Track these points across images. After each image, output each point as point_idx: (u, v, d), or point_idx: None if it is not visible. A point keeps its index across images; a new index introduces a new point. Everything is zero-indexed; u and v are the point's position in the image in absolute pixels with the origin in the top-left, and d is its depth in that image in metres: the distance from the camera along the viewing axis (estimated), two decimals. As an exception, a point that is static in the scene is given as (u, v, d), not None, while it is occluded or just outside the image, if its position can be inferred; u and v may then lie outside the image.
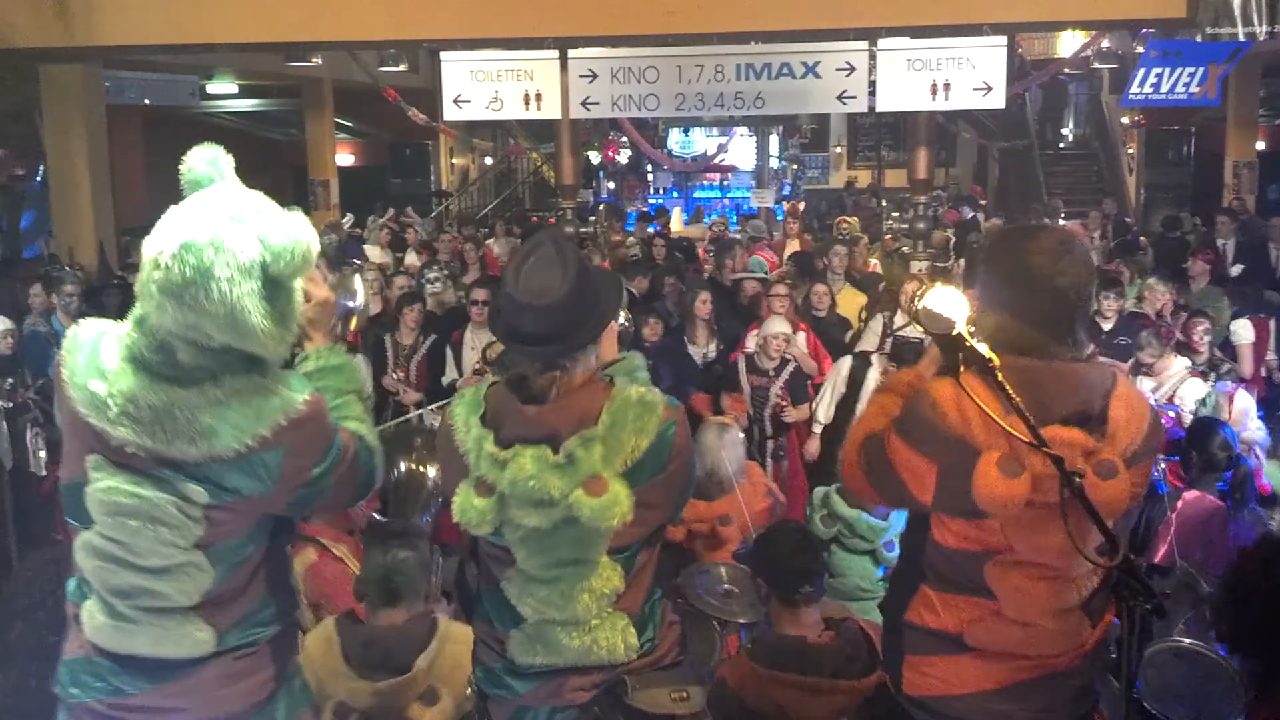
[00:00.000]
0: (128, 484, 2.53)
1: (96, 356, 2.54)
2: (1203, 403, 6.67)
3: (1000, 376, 2.51)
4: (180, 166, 2.60)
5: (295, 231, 2.49)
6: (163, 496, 2.53)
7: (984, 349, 2.52)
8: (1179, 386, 6.97)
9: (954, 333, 2.54)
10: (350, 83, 18.06)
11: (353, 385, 2.90)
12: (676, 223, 18.57)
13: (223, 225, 2.43)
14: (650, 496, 2.68)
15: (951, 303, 2.54)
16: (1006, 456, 2.58)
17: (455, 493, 2.70)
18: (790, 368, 7.70)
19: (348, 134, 23.23)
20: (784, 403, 7.59)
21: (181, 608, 2.61)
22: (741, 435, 6.02)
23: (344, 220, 15.80)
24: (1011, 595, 2.73)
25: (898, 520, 5.19)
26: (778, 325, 7.70)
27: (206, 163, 2.57)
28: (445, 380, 8.22)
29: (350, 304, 3.11)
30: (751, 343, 7.99)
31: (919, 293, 2.70)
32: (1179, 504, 5.23)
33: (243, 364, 2.54)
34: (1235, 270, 11.59)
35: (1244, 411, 6.34)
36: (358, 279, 3.26)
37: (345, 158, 22.75)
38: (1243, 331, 8.56)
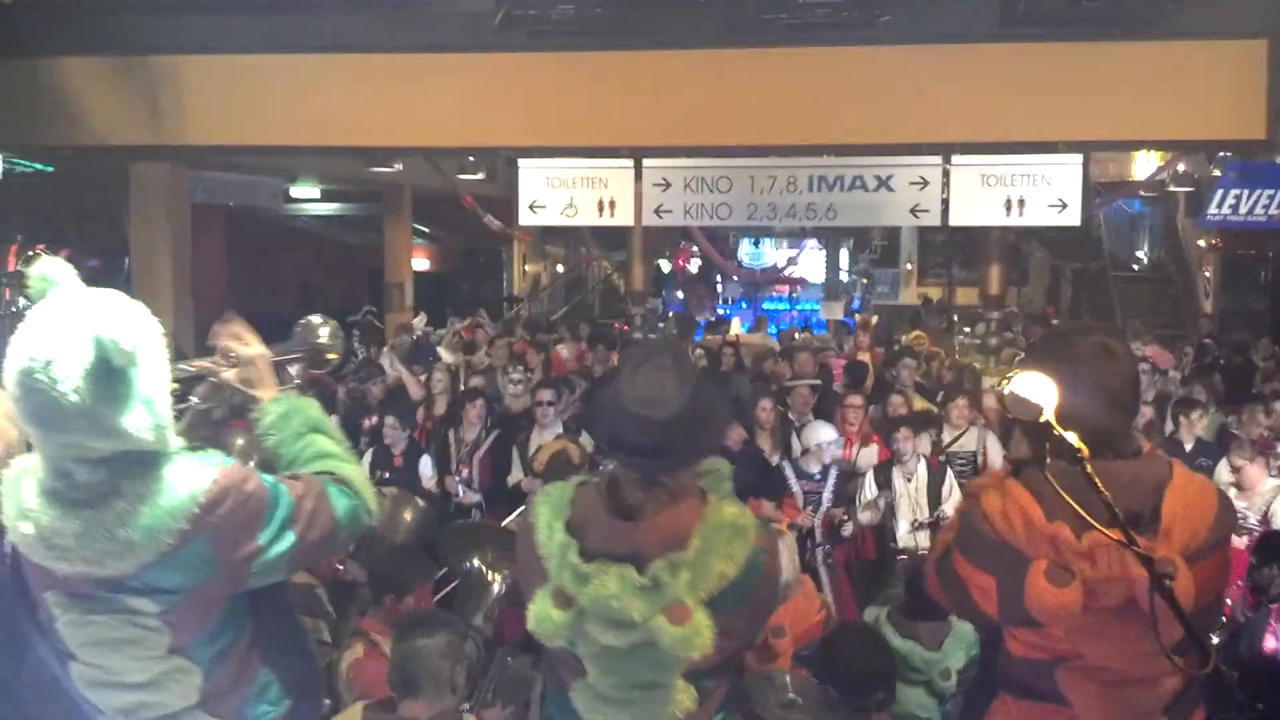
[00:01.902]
0: (84, 614, 2.50)
1: (18, 496, 2.48)
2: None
3: (1088, 470, 2.43)
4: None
5: (124, 318, 2.40)
6: (116, 618, 2.49)
7: (1072, 438, 2.45)
8: (1271, 503, 6.81)
9: (1041, 419, 2.47)
10: (428, 189, 18.41)
11: (311, 424, 2.80)
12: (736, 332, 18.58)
13: (54, 341, 2.33)
14: (733, 625, 2.58)
15: (1039, 389, 2.48)
16: (1054, 565, 2.51)
17: (532, 599, 2.60)
18: (835, 472, 7.67)
19: (424, 239, 23.65)
20: (845, 515, 7.54)
21: (186, 708, 2.57)
22: (794, 542, 5.92)
23: (417, 320, 16.01)
24: (1086, 701, 2.63)
25: (952, 650, 5.09)
26: (826, 432, 7.69)
27: (42, 275, 2.48)
28: (511, 481, 8.23)
29: (319, 344, 3.05)
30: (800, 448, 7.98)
31: (1006, 379, 2.62)
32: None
33: (140, 464, 2.46)
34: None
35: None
36: (317, 318, 3.16)
37: (421, 262, 23.14)
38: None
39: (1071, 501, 2.41)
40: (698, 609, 2.49)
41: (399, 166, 16.32)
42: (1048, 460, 2.51)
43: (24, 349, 2.35)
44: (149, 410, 2.43)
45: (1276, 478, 7.14)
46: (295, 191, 19.73)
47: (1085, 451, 2.43)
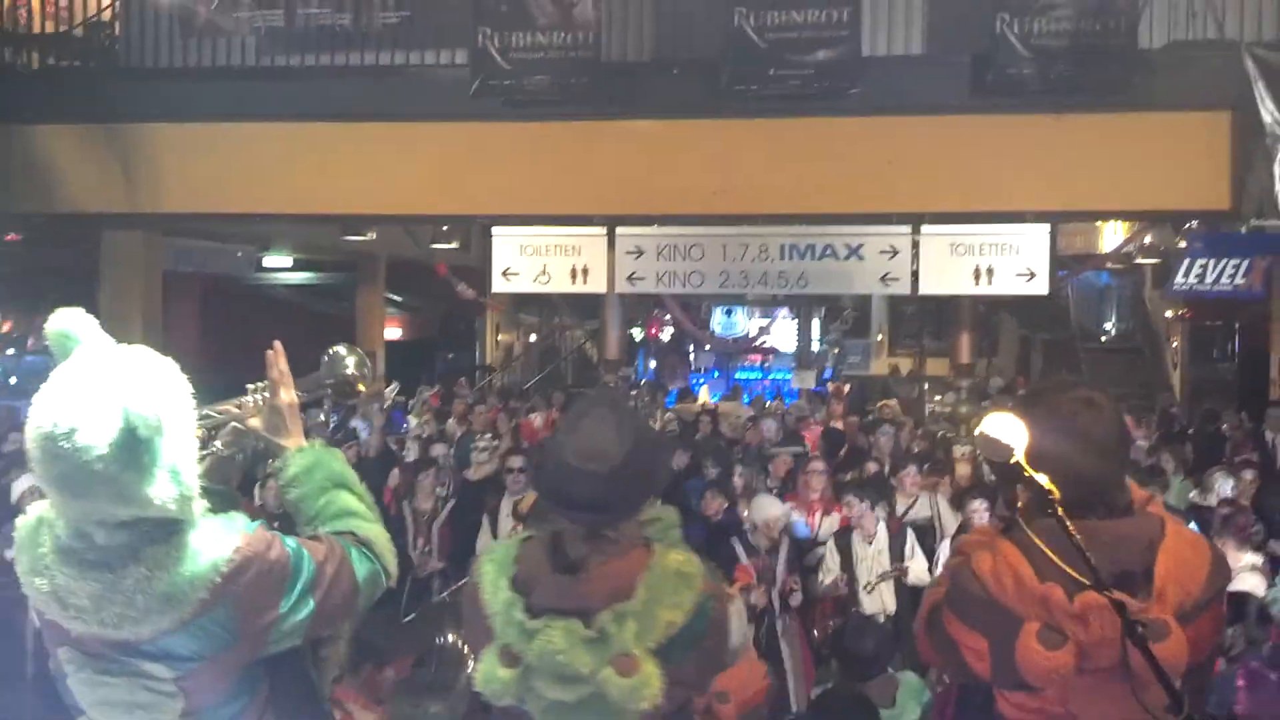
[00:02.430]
0: (97, 674, 2.44)
1: (35, 550, 2.43)
2: (1274, 582, 6.49)
3: (1059, 512, 2.41)
4: (48, 331, 2.47)
5: (153, 383, 2.35)
6: (130, 681, 2.43)
7: (1043, 479, 2.43)
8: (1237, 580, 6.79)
9: (1012, 460, 2.46)
10: (402, 258, 18.46)
11: (335, 479, 2.75)
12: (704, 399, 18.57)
13: (79, 407, 2.27)
14: (682, 674, 2.55)
15: (1011, 430, 2.46)
16: (1046, 626, 2.49)
17: (480, 659, 2.57)
18: (786, 544, 7.61)
19: (397, 308, 23.65)
20: (794, 586, 7.48)
21: None
22: (743, 607, 5.87)
23: (389, 389, 15.95)
24: None
25: (905, 702, 5.09)
26: (774, 508, 7.65)
27: (64, 328, 2.44)
28: (481, 547, 8.15)
29: (347, 375, 2.98)
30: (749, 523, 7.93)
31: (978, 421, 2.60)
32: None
33: (162, 529, 2.40)
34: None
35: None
36: (343, 348, 3.05)
37: (394, 331, 23.11)
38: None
39: (1060, 563, 2.40)
40: (646, 659, 2.47)
41: (373, 235, 16.39)
42: (1031, 509, 2.49)
43: (47, 413, 2.28)
44: (174, 480, 2.37)
45: (1252, 554, 7.13)
46: (268, 260, 19.71)
47: (1057, 494, 2.41)
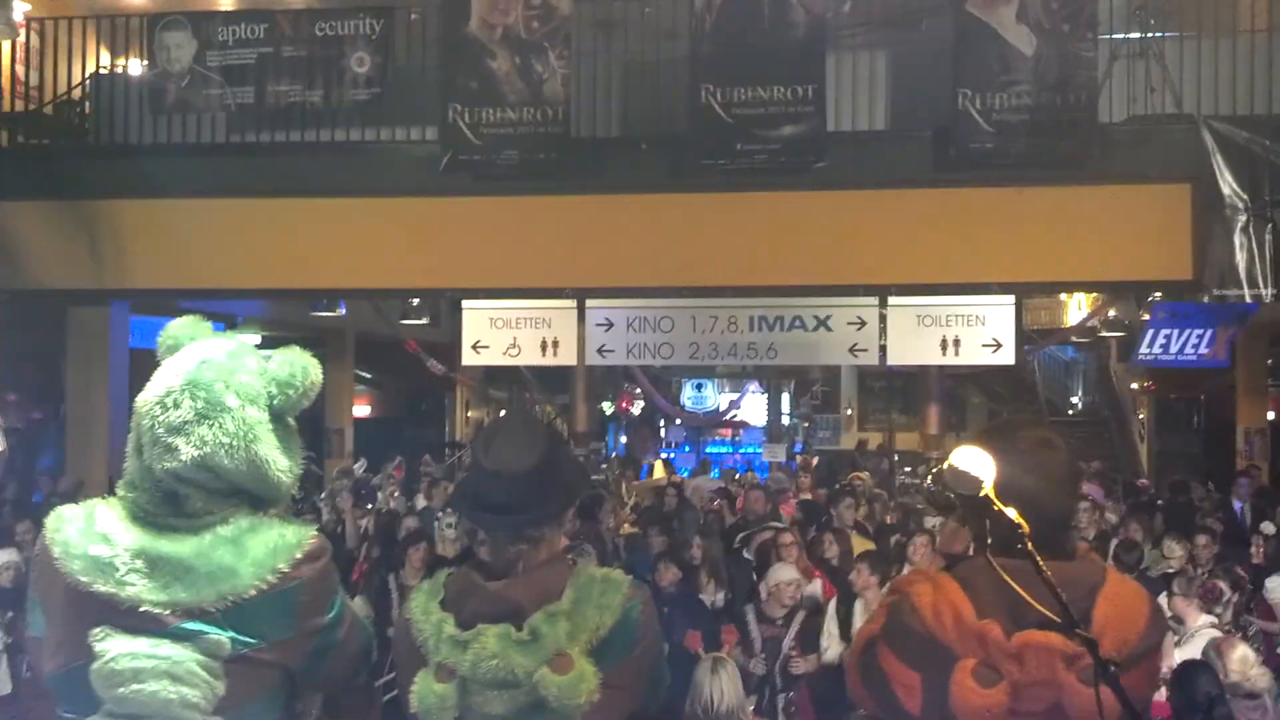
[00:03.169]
0: (146, 647, 2.42)
1: (93, 524, 2.50)
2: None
3: (1029, 546, 2.40)
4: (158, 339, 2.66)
5: (298, 363, 2.56)
6: (184, 654, 2.42)
7: (1011, 513, 2.43)
8: (1196, 638, 6.81)
9: (981, 494, 2.45)
10: (371, 334, 18.43)
11: None
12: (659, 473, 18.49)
13: (225, 362, 2.49)
14: (617, 678, 2.57)
15: (979, 463, 2.47)
16: (982, 664, 2.48)
17: (413, 684, 2.57)
18: (801, 617, 7.52)
19: (366, 385, 23.56)
20: (795, 654, 7.38)
21: None
22: (736, 669, 5.83)
23: (356, 465, 15.85)
24: None
25: None
26: (786, 573, 7.57)
27: (185, 329, 2.66)
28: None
29: None
30: (764, 591, 7.84)
31: (945, 456, 2.60)
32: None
33: (250, 505, 2.54)
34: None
35: (1243, 659, 6.13)
36: None
37: (362, 408, 23.00)
38: (1277, 588, 8.45)
39: (1028, 597, 2.39)
40: (580, 658, 2.51)
41: (342, 311, 16.37)
42: (988, 540, 2.49)
43: (190, 366, 2.50)
44: (289, 455, 2.57)
45: (1210, 624, 7.16)
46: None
47: (1026, 528, 2.41)
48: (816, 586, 8.01)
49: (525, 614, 2.55)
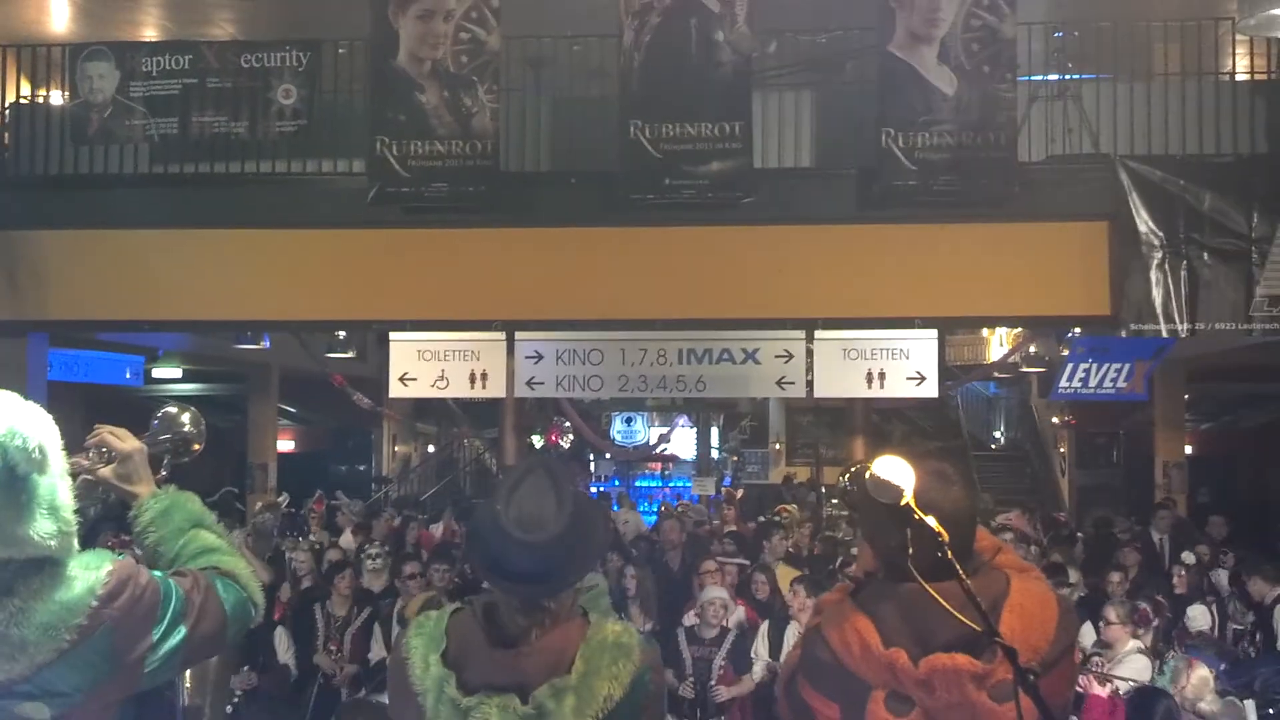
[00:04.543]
0: None
1: None
2: (1160, 671, 6.63)
3: (949, 556, 2.43)
4: None
5: (27, 429, 2.34)
6: None
7: (932, 522, 2.46)
8: (1126, 661, 6.97)
9: (903, 502, 2.47)
10: (296, 369, 18.25)
11: (193, 519, 2.76)
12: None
13: None
14: None
15: (900, 472, 2.49)
16: (893, 693, 2.50)
17: None
18: (731, 637, 7.60)
19: (291, 420, 23.30)
20: (723, 672, 7.47)
21: None
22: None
23: (280, 500, 15.65)
24: None
25: None
26: (715, 592, 7.66)
27: None
28: (374, 658, 7.97)
29: (182, 432, 3.00)
30: (689, 617, 7.90)
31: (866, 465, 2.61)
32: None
33: (33, 563, 2.37)
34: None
35: (1203, 682, 6.29)
36: (175, 407, 3.09)
37: (286, 443, 22.74)
38: (1200, 617, 8.68)
39: (956, 613, 2.41)
40: None
41: (266, 345, 16.20)
42: (909, 551, 2.50)
43: None
44: (53, 518, 2.37)
45: (1139, 648, 7.31)
46: (157, 372, 19.33)
47: (945, 536, 2.44)
48: (742, 613, 8.09)
49: (532, 686, 2.44)
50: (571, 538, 2.49)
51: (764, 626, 7.87)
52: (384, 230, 10.62)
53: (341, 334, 14.87)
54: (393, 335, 11.12)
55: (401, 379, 10.98)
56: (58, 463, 2.42)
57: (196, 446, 3.07)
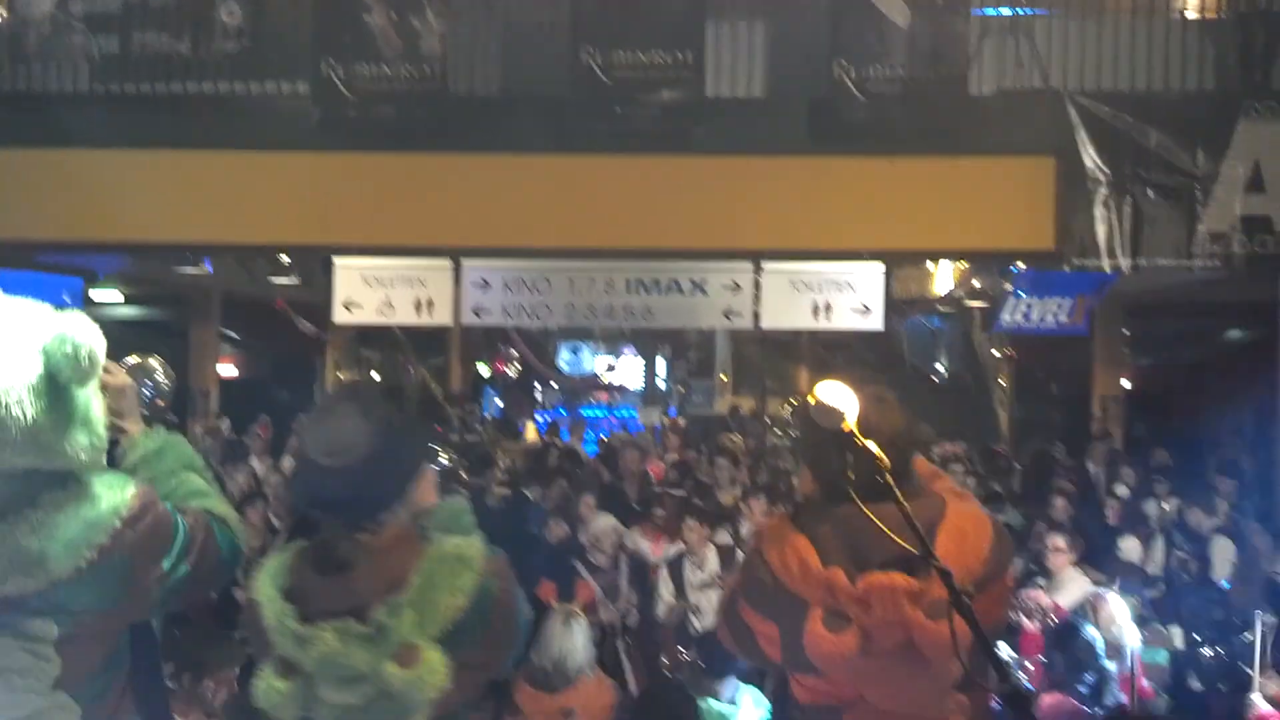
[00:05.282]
0: None
1: None
2: (1094, 598, 6.81)
3: (890, 480, 2.47)
4: None
5: (76, 336, 2.33)
6: (6, 643, 2.33)
7: (874, 447, 2.50)
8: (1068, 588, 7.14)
9: (845, 427, 2.51)
10: (238, 294, 18.02)
11: (184, 462, 2.75)
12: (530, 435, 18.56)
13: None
14: (473, 658, 2.50)
15: (843, 398, 2.52)
16: (831, 611, 2.55)
17: (258, 674, 2.49)
18: (626, 561, 7.75)
19: (232, 345, 23.02)
20: (630, 604, 7.62)
21: None
22: (585, 624, 5.91)
23: (221, 425, 15.53)
24: None
25: (748, 706, 5.29)
26: (604, 521, 7.78)
27: None
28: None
29: (155, 381, 2.97)
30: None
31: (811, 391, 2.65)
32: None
33: (58, 478, 2.36)
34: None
35: (1113, 615, 6.45)
36: (154, 360, 3.07)
37: (228, 369, 22.49)
38: (1131, 549, 8.87)
39: (888, 531, 2.45)
40: (429, 648, 2.42)
41: (208, 269, 15.96)
42: (849, 475, 2.54)
43: None
44: (88, 431, 2.37)
45: (1079, 575, 7.48)
46: (96, 295, 19.00)
47: (887, 462, 2.48)
48: (642, 543, 8.21)
49: (368, 607, 2.44)
50: (381, 460, 2.49)
51: (664, 564, 8.01)
52: (329, 154, 10.45)
53: (285, 259, 14.65)
54: (337, 260, 11.02)
55: (346, 305, 10.89)
56: (95, 374, 2.41)
57: (161, 402, 3.03)
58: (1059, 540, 7.56)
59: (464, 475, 9.98)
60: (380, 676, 2.40)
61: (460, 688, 2.47)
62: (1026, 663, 6.33)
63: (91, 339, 2.35)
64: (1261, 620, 6.45)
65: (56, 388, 2.29)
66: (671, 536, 8.40)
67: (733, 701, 5.46)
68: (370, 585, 2.46)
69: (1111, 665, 5.86)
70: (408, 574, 2.47)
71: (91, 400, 2.42)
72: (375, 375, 25.23)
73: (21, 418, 2.23)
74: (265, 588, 2.51)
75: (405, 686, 2.39)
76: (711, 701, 5.44)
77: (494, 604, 2.53)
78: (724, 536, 8.25)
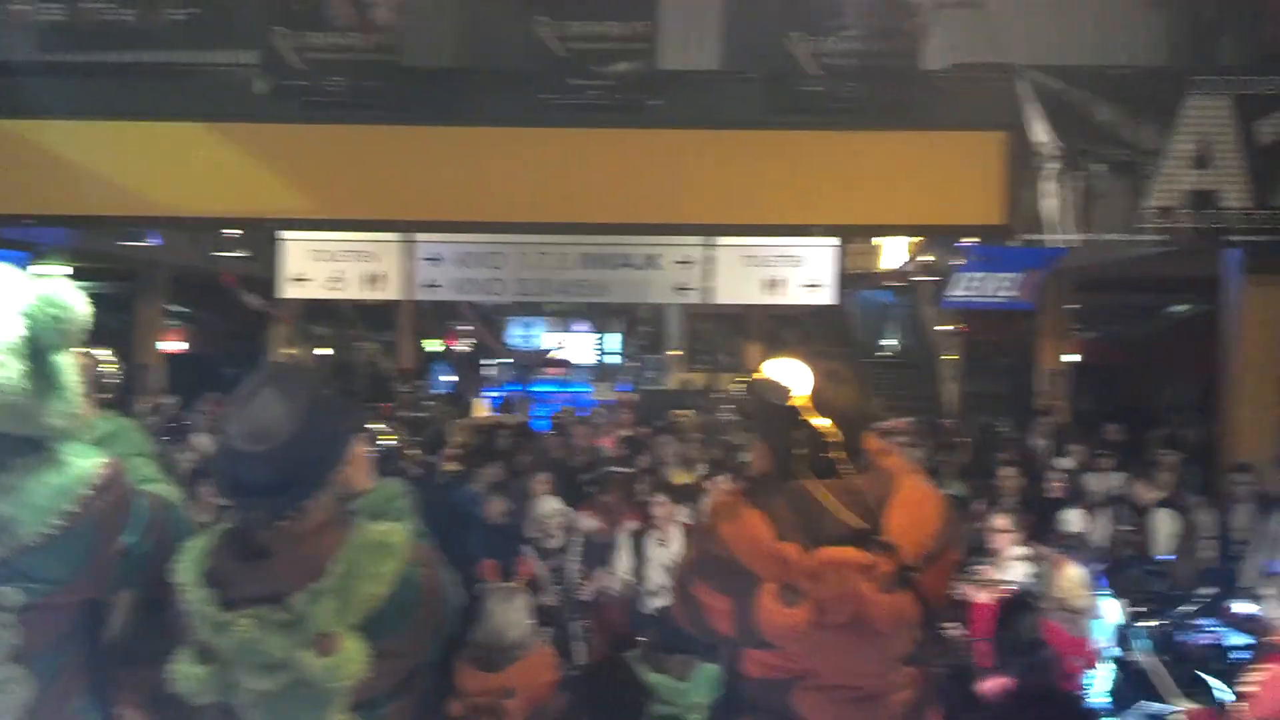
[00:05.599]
0: None
1: None
2: (1037, 576, 6.86)
3: (837, 456, 2.50)
4: None
5: (59, 299, 2.34)
6: None
7: (825, 423, 2.53)
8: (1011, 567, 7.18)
9: (793, 403, 2.53)
10: (186, 268, 17.80)
11: (135, 448, 2.75)
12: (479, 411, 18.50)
13: None
14: (395, 646, 2.49)
15: (794, 374, 2.54)
16: (784, 585, 2.58)
17: (176, 657, 2.46)
18: (580, 543, 7.73)
19: (180, 320, 22.77)
20: (582, 579, 7.61)
21: None
22: (525, 601, 5.90)
23: (168, 402, 15.35)
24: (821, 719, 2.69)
25: (701, 682, 5.32)
26: (549, 504, 7.76)
27: None
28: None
29: (101, 374, 2.99)
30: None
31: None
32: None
33: (29, 444, 2.35)
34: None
35: (1075, 580, 6.52)
36: (100, 352, 3.07)
37: (175, 344, 22.24)
38: (1073, 520, 8.97)
39: (839, 509, 2.47)
40: (348, 636, 2.41)
41: (155, 242, 15.74)
42: (798, 453, 2.56)
43: None
44: (64, 398, 2.37)
45: (1024, 554, 7.55)
46: (39, 270, 18.70)
47: (836, 435, 2.51)
48: (588, 521, 8.21)
49: (287, 594, 2.41)
50: (303, 445, 2.44)
51: (626, 536, 8.00)
52: (279, 125, 10.32)
53: (238, 232, 14.47)
54: (286, 234, 10.89)
55: (295, 279, 10.78)
56: (73, 342, 2.42)
57: (108, 395, 3.02)
58: (1002, 519, 7.61)
59: (411, 453, 9.93)
60: (297, 664, 2.39)
61: (381, 675, 2.46)
62: (973, 637, 6.40)
63: (76, 301, 2.37)
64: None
65: (37, 352, 2.29)
66: (619, 515, 8.40)
67: (684, 678, 5.48)
68: (291, 572, 2.44)
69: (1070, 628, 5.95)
70: (329, 561, 2.45)
71: (69, 368, 2.41)
72: (324, 351, 25.09)
73: (5, 384, 2.24)
74: (188, 570, 2.49)
75: (322, 674, 2.39)
76: (664, 678, 5.46)
77: (417, 592, 2.52)
78: (687, 514, 8.25)
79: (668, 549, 7.80)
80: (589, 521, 8.26)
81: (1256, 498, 9.31)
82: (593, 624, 7.67)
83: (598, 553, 7.88)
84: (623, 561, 7.82)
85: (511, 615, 5.41)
